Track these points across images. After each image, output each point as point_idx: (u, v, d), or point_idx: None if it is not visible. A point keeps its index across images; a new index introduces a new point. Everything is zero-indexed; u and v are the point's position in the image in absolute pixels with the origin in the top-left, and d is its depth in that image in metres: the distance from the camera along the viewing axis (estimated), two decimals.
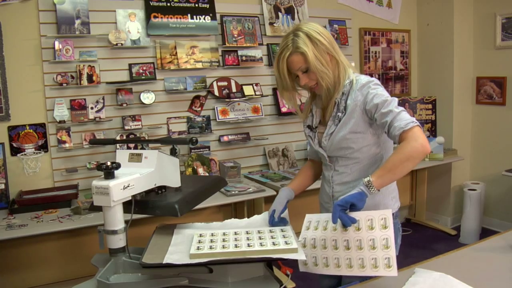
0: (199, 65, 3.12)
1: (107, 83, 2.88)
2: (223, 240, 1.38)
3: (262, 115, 3.38)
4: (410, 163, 1.34)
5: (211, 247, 1.33)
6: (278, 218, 1.54)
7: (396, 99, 1.46)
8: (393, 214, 1.43)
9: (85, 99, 2.83)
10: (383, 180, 1.36)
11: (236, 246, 1.34)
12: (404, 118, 1.39)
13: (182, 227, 1.59)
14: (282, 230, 1.46)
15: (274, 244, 1.34)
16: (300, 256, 1.29)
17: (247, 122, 3.36)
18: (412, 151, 1.33)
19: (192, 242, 1.38)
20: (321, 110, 1.65)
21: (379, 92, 1.47)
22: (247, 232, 1.44)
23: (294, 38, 1.48)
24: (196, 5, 3.09)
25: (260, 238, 1.39)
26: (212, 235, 1.43)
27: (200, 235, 1.43)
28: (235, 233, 1.44)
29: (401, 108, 1.42)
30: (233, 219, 1.68)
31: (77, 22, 2.73)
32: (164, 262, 1.28)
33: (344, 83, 1.55)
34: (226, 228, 1.57)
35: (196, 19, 3.09)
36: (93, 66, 2.80)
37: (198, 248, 1.33)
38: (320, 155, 1.67)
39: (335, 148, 1.58)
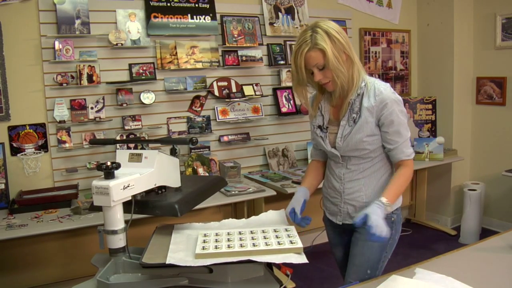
0: (199, 65, 3.11)
1: (107, 83, 2.88)
2: (228, 240, 1.38)
3: (262, 115, 3.38)
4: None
5: (216, 247, 1.33)
6: (300, 214, 1.60)
7: (407, 125, 1.60)
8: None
9: (85, 99, 2.83)
10: (394, 199, 1.55)
11: (241, 245, 1.34)
12: (410, 147, 1.60)
13: (181, 227, 1.59)
14: (286, 230, 1.46)
15: (279, 243, 1.34)
16: (302, 259, 1.29)
17: (247, 122, 3.36)
18: (411, 177, 1.62)
19: (196, 242, 1.38)
20: (332, 108, 1.66)
21: (396, 109, 1.56)
22: (251, 232, 1.44)
23: (312, 34, 1.48)
24: (196, 5, 3.09)
25: (265, 238, 1.39)
26: (217, 234, 1.43)
27: (205, 235, 1.43)
28: (240, 233, 1.44)
29: (409, 135, 1.61)
30: (230, 219, 1.68)
31: (77, 22, 2.73)
32: (167, 262, 1.28)
33: (359, 84, 1.57)
34: (224, 228, 1.57)
35: (196, 19, 3.09)
36: (93, 66, 2.80)
37: (203, 248, 1.33)
38: (333, 155, 1.68)
39: (350, 149, 1.60)
